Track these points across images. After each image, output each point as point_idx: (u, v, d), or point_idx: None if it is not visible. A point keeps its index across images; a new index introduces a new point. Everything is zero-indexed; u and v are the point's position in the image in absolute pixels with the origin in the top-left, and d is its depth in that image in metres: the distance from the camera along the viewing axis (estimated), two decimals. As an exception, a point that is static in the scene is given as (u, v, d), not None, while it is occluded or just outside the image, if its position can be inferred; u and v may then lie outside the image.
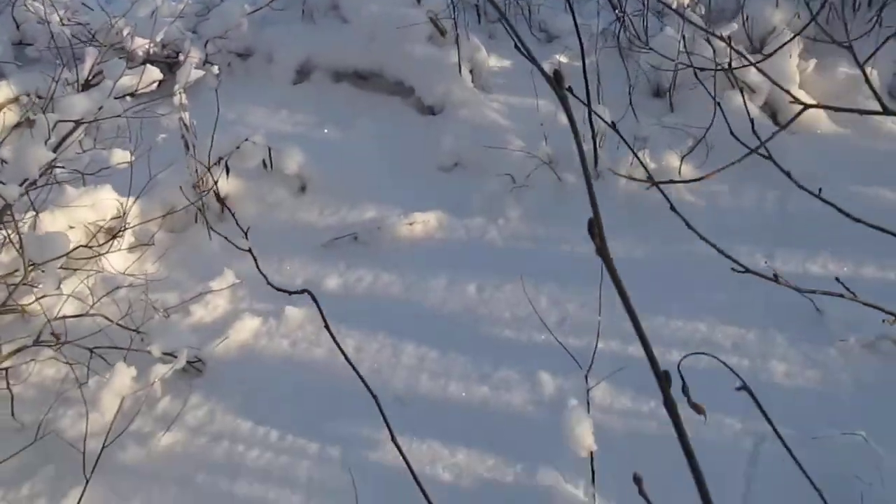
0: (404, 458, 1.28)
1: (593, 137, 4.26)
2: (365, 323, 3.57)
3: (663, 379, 0.65)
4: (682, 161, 4.21)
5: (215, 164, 4.24)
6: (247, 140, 4.22)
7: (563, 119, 4.69)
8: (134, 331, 3.43)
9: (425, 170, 4.51)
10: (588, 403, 2.75)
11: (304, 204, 4.45)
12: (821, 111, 4.71)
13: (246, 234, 1.84)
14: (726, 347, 3.30)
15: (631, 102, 4.50)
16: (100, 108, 3.05)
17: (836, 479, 2.68)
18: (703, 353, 1.44)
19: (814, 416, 2.97)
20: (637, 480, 0.76)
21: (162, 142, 3.96)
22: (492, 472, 2.89)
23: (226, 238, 2.09)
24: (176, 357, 3.22)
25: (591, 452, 2.61)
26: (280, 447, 3.06)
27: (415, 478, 1.31)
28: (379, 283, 3.83)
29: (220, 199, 4.33)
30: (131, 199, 3.88)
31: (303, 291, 1.46)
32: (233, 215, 2.06)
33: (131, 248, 4.05)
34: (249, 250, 1.66)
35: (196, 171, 4.10)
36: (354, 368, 1.36)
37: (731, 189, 4.20)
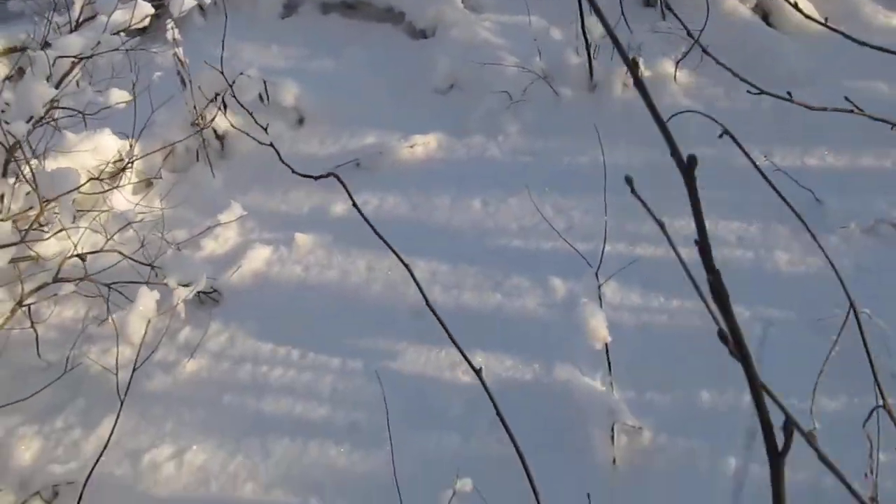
0: (434, 312, 1.34)
1: (587, 49, 4.27)
2: (374, 243, 3.60)
3: (632, 64, 0.71)
4: (676, 66, 4.22)
5: (211, 100, 4.25)
6: (241, 74, 4.22)
7: (556, 34, 4.69)
8: (149, 265, 3.49)
9: (422, 93, 4.52)
10: (600, 299, 2.82)
11: (303, 135, 4.47)
12: (813, 11, 4.71)
13: (265, 129, 1.88)
14: (731, 241, 3.37)
15: (622, 12, 4.49)
16: (97, 44, 3.06)
17: (845, 355, 2.78)
18: (691, 111, 1.50)
19: (818, 299, 3.05)
20: (628, 181, 0.81)
21: (158, 80, 3.96)
22: (510, 371, 2.98)
23: (259, 130, 2.12)
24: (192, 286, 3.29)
25: (606, 344, 2.69)
26: (302, 364, 3.14)
27: (454, 342, 1.38)
28: (385, 205, 3.88)
29: (219, 136, 4.35)
30: (133, 138, 3.89)
31: (328, 175, 1.51)
32: (251, 109, 2.07)
33: (135, 189, 4.08)
34: (271, 144, 1.70)
35: (194, 107, 4.11)
36: (384, 240, 1.42)
37: (726, 93, 4.22)
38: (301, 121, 4.54)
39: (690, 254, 2.70)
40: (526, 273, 3.36)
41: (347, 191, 1.49)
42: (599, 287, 2.87)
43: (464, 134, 4.23)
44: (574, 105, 4.22)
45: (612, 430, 2.62)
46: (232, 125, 4.25)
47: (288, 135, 4.47)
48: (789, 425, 0.61)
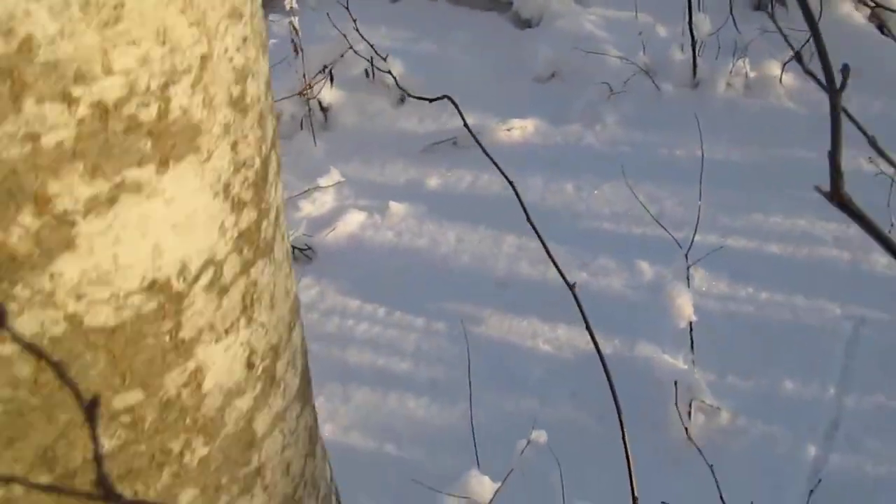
0: (530, 221, 1.39)
1: (693, 46, 4.26)
2: (466, 217, 3.70)
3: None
4: (783, 69, 4.17)
5: (319, 72, 4.41)
6: (350, 49, 4.36)
7: (662, 31, 4.69)
8: (249, 218, 3.64)
9: (522, 80, 4.59)
10: (688, 279, 2.83)
11: (403, 113, 4.58)
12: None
13: (384, 58, 1.97)
14: (827, 241, 3.32)
15: (731, 12, 4.46)
16: (222, 1, 3.22)
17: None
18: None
19: (915, 303, 2.98)
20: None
21: (272, 47, 4.13)
22: (590, 344, 3.00)
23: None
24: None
25: (691, 322, 2.70)
26: (388, 322, 3.24)
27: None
28: (479, 182, 3.95)
29: (324, 108, 4.50)
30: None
31: (442, 97, 1.58)
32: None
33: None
34: (389, 72, 1.79)
35: (304, 75, 4.27)
36: (492, 159, 1.48)
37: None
38: (402, 99, 4.66)
39: (782, 248, 2.69)
40: (615, 256, 3.38)
41: (460, 111, 1.56)
42: (688, 268, 2.87)
43: (562, 122, 4.27)
44: (675, 101, 4.21)
45: (690, 406, 2.62)
46: (324, 129, 4.32)
47: (389, 112, 4.59)
48: (847, 68, 0.65)
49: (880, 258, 3.19)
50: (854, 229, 3.36)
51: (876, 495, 2.38)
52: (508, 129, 4.22)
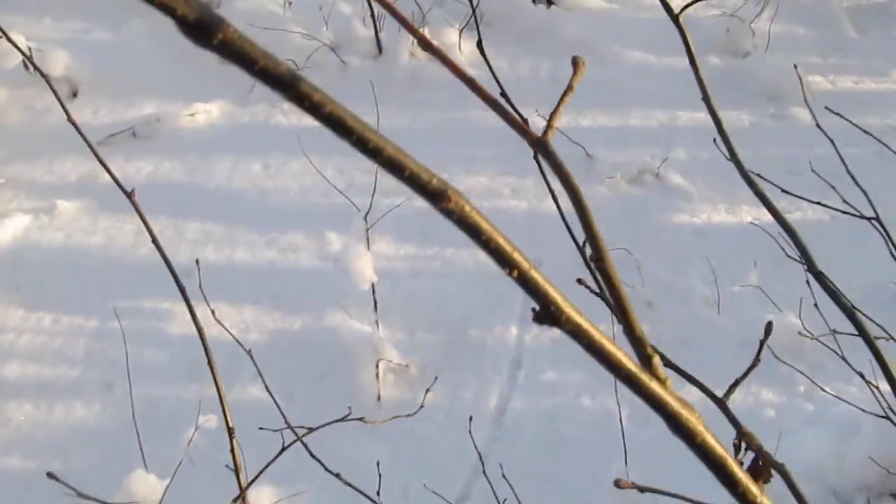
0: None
1: (373, 19, 4.26)
2: (145, 208, 3.42)
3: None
4: (460, 35, 4.29)
5: (-32, 67, 3.90)
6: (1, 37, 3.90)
7: (345, 7, 4.67)
8: None
9: (204, 64, 4.35)
10: (367, 240, 2.78)
11: (76, 107, 4.18)
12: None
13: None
14: (506, 194, 3.43)
15: (407, -16, 4.51)
16: None
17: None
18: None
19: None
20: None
21: None
22: (279, 322, 2.88)
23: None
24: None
25: (373, 284, 2.65)
26: (55, 330, 2.90)
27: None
28: (160, 171, 3.68)
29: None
30: None
31: None
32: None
33: None
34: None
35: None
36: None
37: (510, 63, 4.34)
38: (75, 93, 4.26)
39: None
40: (303, 230, 3.28)
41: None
42: (367, 230, 2.82)
43: (248, 103, 4.10)
44: (361, 73, 4.19)
45: (377, 367, 2.57)
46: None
47: (59, 107, 4.17)
48: None
49: (552, 205, 3.34)
50: (530, 181, 3.51)
51: (555, 421, 2.46)
52: (192, 115, 3.98)
